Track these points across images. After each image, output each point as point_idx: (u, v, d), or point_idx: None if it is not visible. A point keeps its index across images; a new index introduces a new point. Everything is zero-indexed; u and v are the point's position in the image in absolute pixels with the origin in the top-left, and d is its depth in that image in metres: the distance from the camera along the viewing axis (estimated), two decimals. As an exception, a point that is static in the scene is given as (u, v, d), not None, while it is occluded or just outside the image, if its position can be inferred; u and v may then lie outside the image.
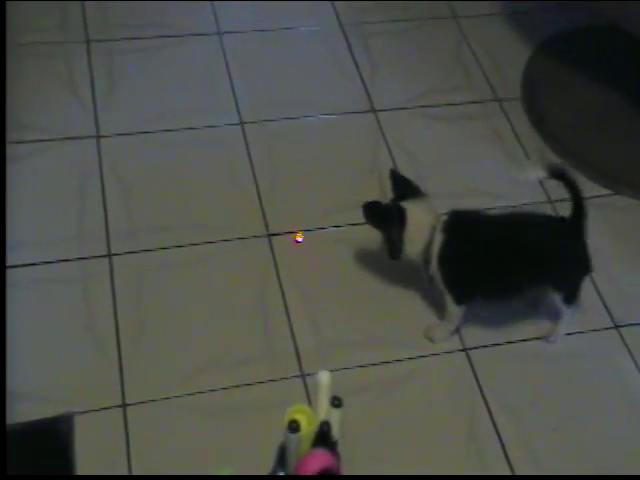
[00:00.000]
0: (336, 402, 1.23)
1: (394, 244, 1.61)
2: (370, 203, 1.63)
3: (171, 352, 1.65)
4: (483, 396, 1.66)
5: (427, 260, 1.61)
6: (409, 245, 1.61)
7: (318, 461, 1.18)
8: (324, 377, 1.26)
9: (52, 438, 1.48)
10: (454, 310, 1.67)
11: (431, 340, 1.72)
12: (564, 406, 1.67)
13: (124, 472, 1.48)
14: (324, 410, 1.24)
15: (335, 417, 1.24)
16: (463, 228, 1.62)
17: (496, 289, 1.65)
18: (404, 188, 1.65)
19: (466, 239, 1.61)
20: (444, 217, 1.62)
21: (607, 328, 1.79)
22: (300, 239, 1.85)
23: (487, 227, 1.63)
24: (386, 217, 1.61)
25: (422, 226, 1.60)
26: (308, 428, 1.22)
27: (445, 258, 1.60)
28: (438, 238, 1.59)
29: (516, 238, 1.60)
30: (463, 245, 1.60)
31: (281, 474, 1.26)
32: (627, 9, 1.93)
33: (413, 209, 1.60)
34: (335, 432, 1.23)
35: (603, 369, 1.73)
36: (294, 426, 1.19)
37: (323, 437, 1.21)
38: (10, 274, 1.71)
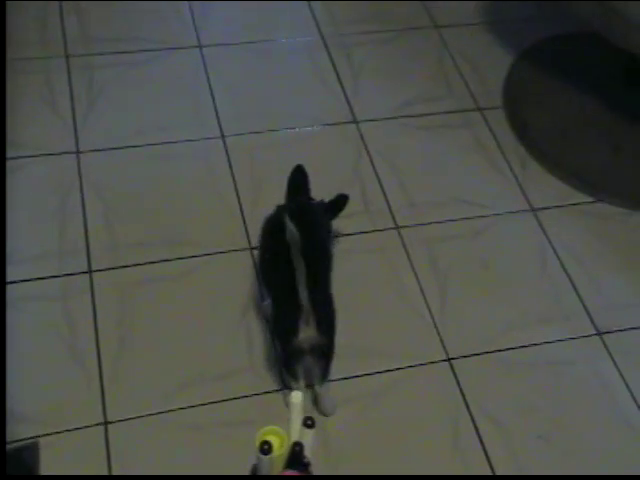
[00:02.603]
0: (309, 422, 1.22)
1: None
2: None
3: (153, 368, 1.64)
4: (467, 405, 1.66)
5: None
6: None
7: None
8: (296, 398, 1.26)
9: (16, 467, 1.45)
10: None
11: None
12: (548, 414, 1.67)
13: (106, 490, 1.48)
14: (297, 431, 1.24)
15: (308, 438, 1.23)
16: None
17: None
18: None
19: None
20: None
21: (590, 335, 1.79)
22: None
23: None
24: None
25: None
26: (280, 449, 1.21)
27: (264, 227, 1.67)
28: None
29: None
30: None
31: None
32: (607, 17, 1.94)
33: None
34: (307, 453, 1.22)
35: (586, 376, 1.73)
36: (266, 448, 1.18)
37: (295, 458, 1.20)
38: (-10, 292, 1.70)
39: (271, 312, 1.63)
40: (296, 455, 1.20)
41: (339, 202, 1.75)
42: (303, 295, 1.45)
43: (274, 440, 1.22)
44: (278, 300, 1.58)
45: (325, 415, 1.60)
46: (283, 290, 1.53)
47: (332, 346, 1.55)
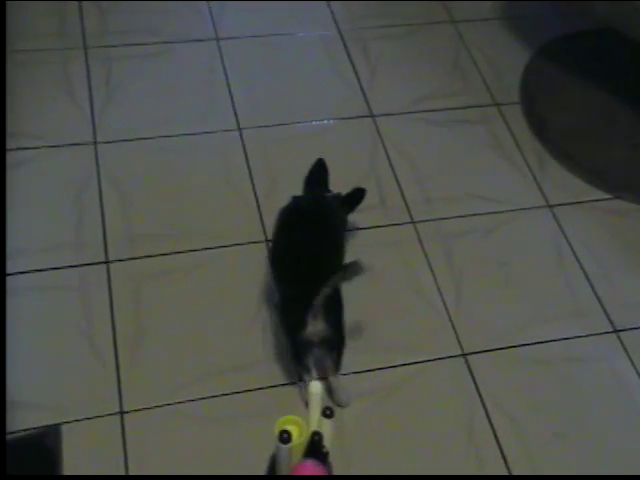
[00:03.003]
0: (328, 412, 1.22)
1: None
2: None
3: (169, 359, 1.65)
4: (482, 401, 1.65)
5: None
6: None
7: (309, 472, 1.18)
8: (315, 388, 1.26)
9: (39, 452, 1.46)
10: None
11: None
12: (563, 411, 1.66)
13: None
14: (316, 420, 1.24)
15: (326, 427, 1.23)
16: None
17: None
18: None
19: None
20: None
21: (606, 332, 1.79)
22: None
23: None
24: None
25: None
26: (299, 439, 1.21)
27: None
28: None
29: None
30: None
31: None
32: (625, 13, 1.93)
33: None
34: (326, 443, 1.22)
35: (602, 374, 1.72)
36: (285, 437, 1.18)
37: (314, 448, 1.21)
38: (8, 281, 1.70)
39: (279, 304, 1.62)
40: (315, 445, 1.20)
41: (356, 195, 1.75)
42: (320, 296, 1.46)
43: (293, 429, 1.22)
44: (287, 293, 1.58)
45: (340, 406, 1.60)
46: (292, 280, 1.54)
47: (342, 338, 1.56)
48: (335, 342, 1.55)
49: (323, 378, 1.60)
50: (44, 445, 1.48)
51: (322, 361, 1.59)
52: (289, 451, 1.20)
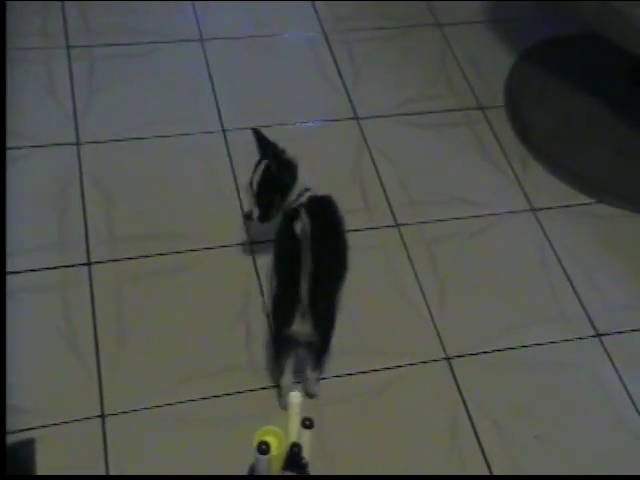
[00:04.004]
0: (307, 423, 1.21)
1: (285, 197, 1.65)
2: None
3: (151, 361, 1.64)
4: (465, 404, 1.65)
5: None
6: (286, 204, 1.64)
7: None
8: (295, 398, 1.25)
9: (13, 465, 1.43)
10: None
11: None
12: (545, 414, 1.67)
13: (102, 483, 1.47)
14: (295, 431, 1.23)
15: (306, 438, 1.22)
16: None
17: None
18: (270, 145, 1.69)
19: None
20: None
21: (589, 337, 1.79)
22: None
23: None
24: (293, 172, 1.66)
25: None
26: (278, 450, 1.20)
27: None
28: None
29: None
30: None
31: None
32: (610, 18, 1.93)
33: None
34: (306, 454, 1.21)
35: (585, 378, 1.73)
36: (263, 448, 1.17)
37: (293, 459, 1.19)
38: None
39: (273, 295, 1.61)
40: (294, 456, 1.19)
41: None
42: (303, 288, 1.45)
43: (272, 440, 1.21)
44: (280, 286, 1.57)
45: (309, 396, 1.60)
46: (286, 277, 1.53)
47: (327, 346, 1.55)
48: (319, 348, 1.55)
49: (297, 382, 1.59)
50: (18, 458, 1.46)
51: (303, 360, 1.58)
52: (268, 462, 1.19)
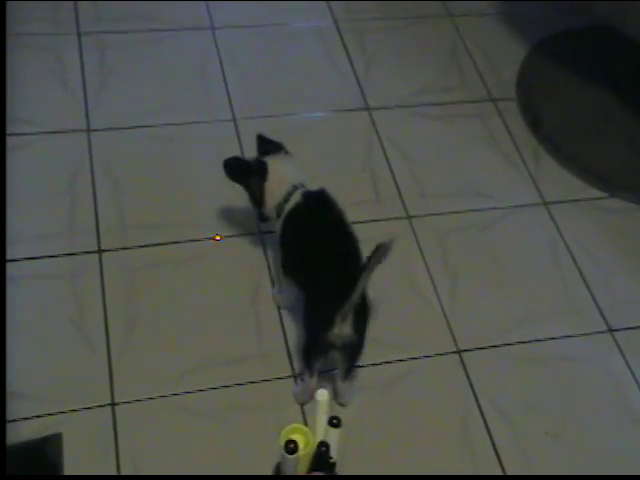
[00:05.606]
0: (335, 422, 1.18)
1: (255, 196, 1.62)
2: (229, 159, 1.65)
3: (161, 351, 1.63)
4: (476, 398, 1.65)
5: (278, 215, 1.60)
6: (269, 197, 1.60)
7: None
8: (322, 396, 1.21)
9: (40, 460, 1.42)
10: (279, 271, 1.66)
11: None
12: (557, 409, 1.66)
13: (112, 471, 1.46)
14: (322, 430, 1.19)
15: (333, 437, 1.18)
16: (319, 207, 1.57)
17: (302, 278, 1.59)
18: (269, 147, 1.66)
19: (312, 218, 1.57)
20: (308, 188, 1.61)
21: (601, 332, 1.78)
22: (218, 239, 1.83)
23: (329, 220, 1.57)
24: (246, 170, 1.62)
25: (283, 180, 1.60)
26: (305, 448, 1.17)
27: (290, 220, 1.58)
28: (295, 199, 1.58)
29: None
30: (308, 220, 1.57)
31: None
32: (623, 10, 1.92)
33: (274, 163, 1.60)
34: (333, 453, 1.18)
35: (597, 373, 1.72)
36: (292, 447, 1.13)
37: (321, 458, 1.16)
38: (-2, 269, 1.69)
39: (305, 301, 1.56)
40: (322, 455, 1.16)
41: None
42: (355, 294, 1.40)
43: (299, 439, 1.18)
44: (316, 290, 1.51)
45: (342, 405, 1.59)
46: (323, 280, 1.48)
47: (362, 345, 1.51)
48: (356, 351, 1.51)
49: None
50: (45, 452, 1.44)
51: (337, 364, 1.54)
52: (295, 461, 1.16)
